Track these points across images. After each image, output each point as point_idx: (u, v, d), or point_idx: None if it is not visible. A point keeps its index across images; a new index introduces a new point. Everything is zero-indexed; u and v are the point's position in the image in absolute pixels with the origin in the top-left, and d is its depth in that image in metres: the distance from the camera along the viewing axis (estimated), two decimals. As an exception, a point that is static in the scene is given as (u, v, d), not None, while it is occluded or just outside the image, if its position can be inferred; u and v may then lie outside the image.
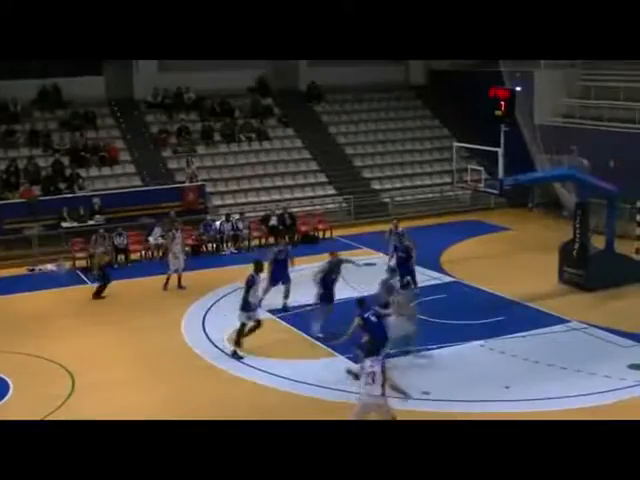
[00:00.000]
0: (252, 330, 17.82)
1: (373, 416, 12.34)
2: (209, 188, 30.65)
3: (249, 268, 18.15)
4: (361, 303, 15.87)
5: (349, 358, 17.04)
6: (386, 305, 16.77)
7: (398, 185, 33.43)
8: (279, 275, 20.61)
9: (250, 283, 17.66)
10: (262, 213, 29.37)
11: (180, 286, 22.80)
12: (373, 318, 15.53)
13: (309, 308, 19.55)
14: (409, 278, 19.56)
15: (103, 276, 22.43)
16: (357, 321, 15.61)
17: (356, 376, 14.18)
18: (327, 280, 19.01)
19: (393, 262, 21.72)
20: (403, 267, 20.87)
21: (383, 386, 12.29)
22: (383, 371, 12.31)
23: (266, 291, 20.39)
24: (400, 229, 22.86)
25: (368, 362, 12.47)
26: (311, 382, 16.01)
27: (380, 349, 14.93)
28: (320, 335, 18.41)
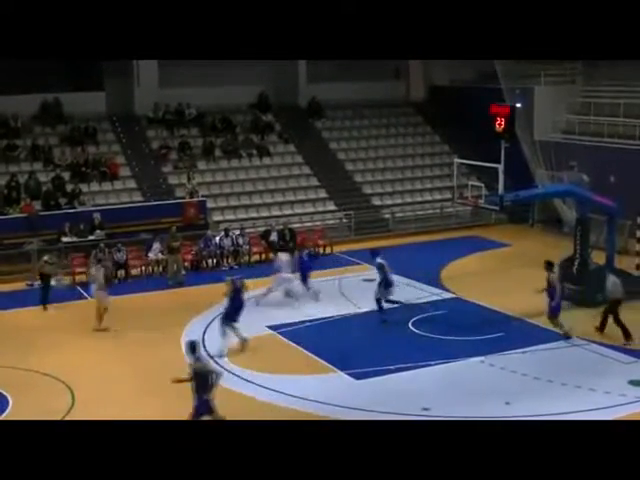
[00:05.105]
0: None
1: None
2: (210, 204, 30.65)
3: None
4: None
5: (349, 374, 17.03)
6: None
7: (398, 201, 33.43)
8: None
9: None
10: (262, 228, 29.39)
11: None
12: None
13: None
14: None
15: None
16: None
17: None
18: None
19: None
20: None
21: None
22: None
23: None
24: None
25: None
26: (312, 398, 15.97)
27: None
28: None
